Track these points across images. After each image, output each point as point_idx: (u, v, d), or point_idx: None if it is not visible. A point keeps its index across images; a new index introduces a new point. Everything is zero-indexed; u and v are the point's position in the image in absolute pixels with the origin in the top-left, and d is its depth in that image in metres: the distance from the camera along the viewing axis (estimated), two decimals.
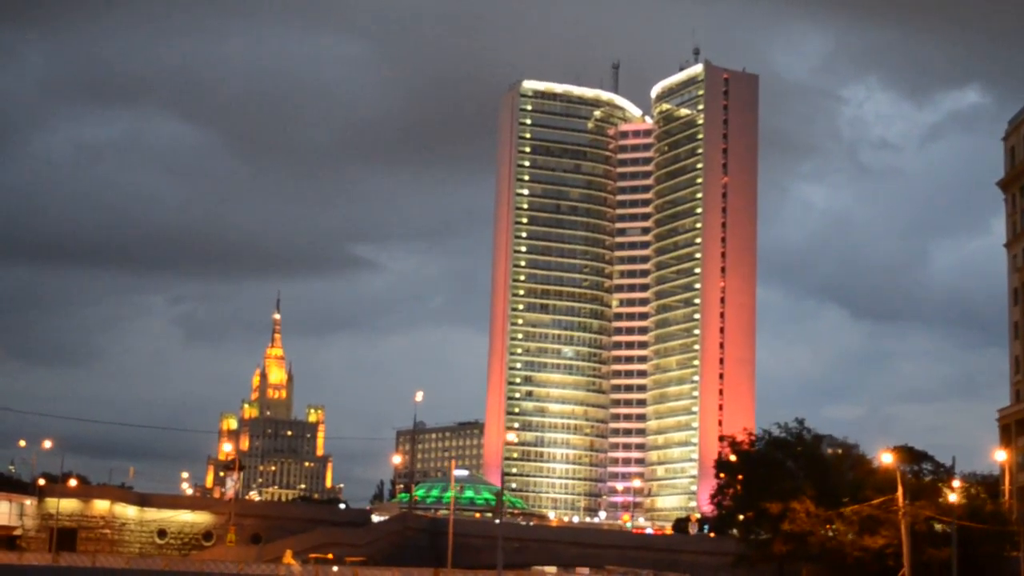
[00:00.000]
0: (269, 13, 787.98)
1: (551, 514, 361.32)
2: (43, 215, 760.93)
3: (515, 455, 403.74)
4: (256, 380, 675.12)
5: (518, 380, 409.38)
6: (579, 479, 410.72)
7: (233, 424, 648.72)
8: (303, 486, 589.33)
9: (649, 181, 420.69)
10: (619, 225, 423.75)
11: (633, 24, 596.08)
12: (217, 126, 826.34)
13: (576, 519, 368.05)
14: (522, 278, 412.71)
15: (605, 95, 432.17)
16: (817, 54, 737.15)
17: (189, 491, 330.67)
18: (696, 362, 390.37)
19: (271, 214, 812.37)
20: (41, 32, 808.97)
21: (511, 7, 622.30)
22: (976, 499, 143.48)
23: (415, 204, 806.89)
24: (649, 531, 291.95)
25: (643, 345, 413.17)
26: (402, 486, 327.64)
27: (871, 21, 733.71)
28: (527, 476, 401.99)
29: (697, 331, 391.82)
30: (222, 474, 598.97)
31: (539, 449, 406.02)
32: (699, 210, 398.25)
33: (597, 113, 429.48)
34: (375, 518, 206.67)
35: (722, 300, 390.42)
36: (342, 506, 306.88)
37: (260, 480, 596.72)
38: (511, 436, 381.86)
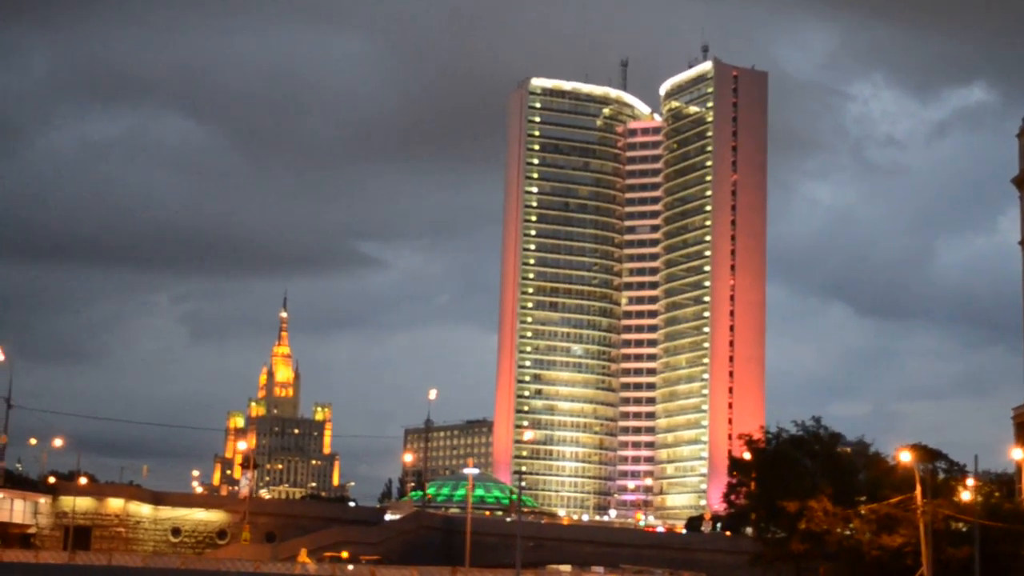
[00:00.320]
0: (275, 10, 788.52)
1: (561, 512, 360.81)
2: (49, 213, 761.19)
3: (524, 453, 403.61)
4: (263, 378, 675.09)
5: (527, 378, 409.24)
6: (588, 477, 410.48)
7: (240, 422, 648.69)
8: (313, 484, 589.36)
9: (658, 179, 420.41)
10: (628, 223, 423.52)
11: (641, 21, 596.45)
12: (223, 124, 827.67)
13: (586, 517, 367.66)
14: (531, 276, 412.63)
15: (614, 93, 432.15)
16: (823, 51, 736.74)
17: (199, 489, 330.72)
18: (706, 360, 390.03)
19: (276, 212, 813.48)
20: (46, 30, 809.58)
21: (519, 4, 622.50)
22: (992, 497, 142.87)
23: (420, 202, 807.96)
24: (660, 529, 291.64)
25: (652, 343, 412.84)
26: (413, 484, 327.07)
27: (876, 18, 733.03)
28: (536, 474, 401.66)
29: (707, 329, 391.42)
30: (228, 472, 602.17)
31: (548, 447, 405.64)
32: (708, 208, 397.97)
33: (606, 111, 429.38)
34: (388, 516, 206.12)
35: (732, 298, 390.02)
36: (351, 504, 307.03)
37: (268, 478, 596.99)
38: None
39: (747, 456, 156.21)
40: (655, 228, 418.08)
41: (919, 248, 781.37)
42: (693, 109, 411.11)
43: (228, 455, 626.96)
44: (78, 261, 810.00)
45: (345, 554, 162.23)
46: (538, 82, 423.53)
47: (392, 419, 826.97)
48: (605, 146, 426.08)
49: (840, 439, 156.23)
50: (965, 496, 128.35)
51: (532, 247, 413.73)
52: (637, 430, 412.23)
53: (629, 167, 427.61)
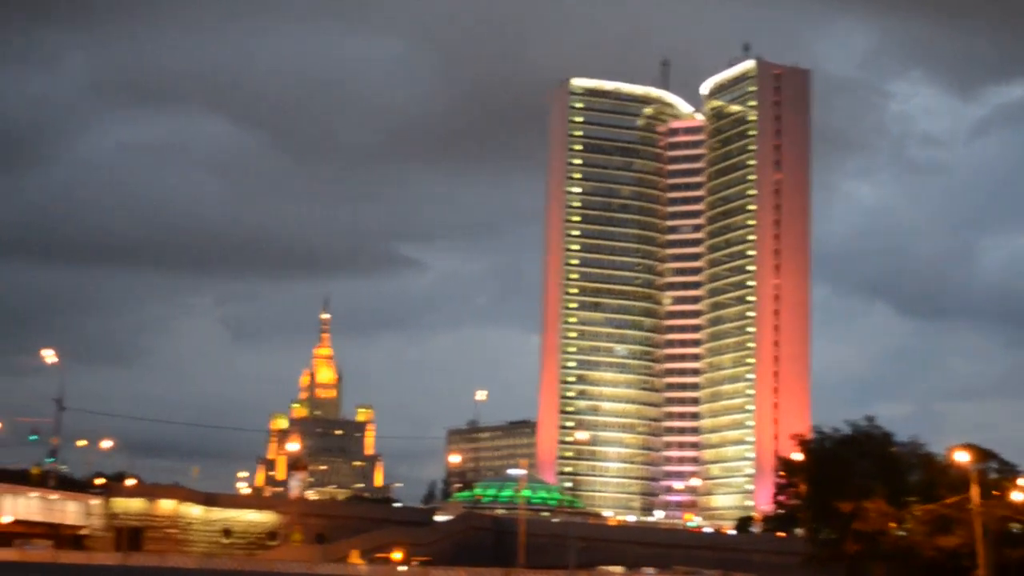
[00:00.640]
0: (315, 13, 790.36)
1: (607, 513, 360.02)
2: (90, 216, 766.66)
3: (569, 454, 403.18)
4: (305, 380, 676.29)
5: (571, 379, 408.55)
6: (632, 478, 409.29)
7: (283, 424, 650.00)
8: (360, 485, 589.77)
9: (701, 178, 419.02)
10: (671, 223, 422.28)
11: (682, 20, 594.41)
12: (262, 126, 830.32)
13: (631, 518, 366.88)
14: (574, 276, 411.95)
15: (655, 92, 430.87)
16: (862, 49, 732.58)
17: (245, 491, 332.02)
18: (750, 360, 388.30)
19: (317, 214, 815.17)
20: (85, 34, 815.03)
21: (559, 4, 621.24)
22: None
23: (459, 203, 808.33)
24: (707, 530, 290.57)
25: (696, 343, 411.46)
26: (460, 485, 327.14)
27: (916, 15, 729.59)
28: (581, 475, 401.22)
29: (751, 329, 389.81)
30: (271, 474, 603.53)
31: (592, 448, 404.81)
32: (752, 207, 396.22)
33: (648, 110, 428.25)
34: (437, 518, 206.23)
35: (776, 297, 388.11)
36: (396, 505, 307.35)
37: (311, 479, 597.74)
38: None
39: (797, 456, 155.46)
40: (698, 228, 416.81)
41: (960, 247, 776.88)
42: (735, 108, 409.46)
43: (271, 457, 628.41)
44: (119, 264, 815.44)
45: (396, 555, 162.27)
46: (579, 82, 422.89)
47: (433, 420, 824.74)
48: (647, 146, 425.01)
49: (892, 439, 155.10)
50: (1015, 496, 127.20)
51: (575, 247, 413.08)
52: (681, 430, 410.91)
53: (671, 167, 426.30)
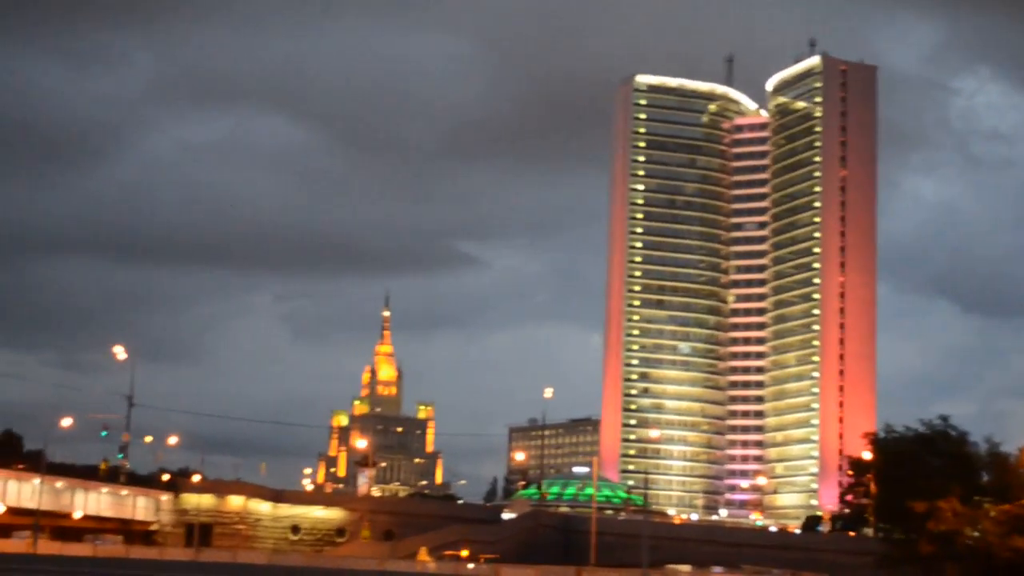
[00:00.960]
0: (372, 10, 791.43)
1: (671, 511, 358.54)
2: (153, 215, 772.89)
3: (632, 452, 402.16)
4: (366, 377, 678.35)
5: (634, 377, 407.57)
6: (696, 476, 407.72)
7: (344, 421, 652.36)
8: (424, 482, 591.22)
9: (765, 175, 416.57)
10: (735, 220, 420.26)
11: (746, 17, 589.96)
12: (323, 124, 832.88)
13: (694, 517, 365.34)
14: (638, 274, 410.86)
15: (720, 89, 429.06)
16: (927, 44, 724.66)
17: (309, 487, 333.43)
18: (815, 358, 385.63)
19: (376, 211, 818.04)
20: (146, 34, 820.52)
21: (622, 1, 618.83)
22: None
23: (519, 201, 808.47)
24: (773, 529, 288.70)
25: (760, 341, 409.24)
26: (524, 482, 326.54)
27: (982, 10, 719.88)
28: (644, 473, 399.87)
29: (816, 327, 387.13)
30: (332, 470, 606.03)
31: (656, 446, 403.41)
32: (817, 204, 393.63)
33: (712, 107, 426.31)
34: (505, 515, 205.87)
35: (842, 295, 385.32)
36: (461, 502, 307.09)
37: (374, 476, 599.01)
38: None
39: (866, 455, 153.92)
40: (762, 225, 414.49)
41: None
42: (801, 104, 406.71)
43: (332, 453, 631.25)
44: (179, 262, 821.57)
45: (464, 553, 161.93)
46: (643, 79, 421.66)
47: (492, 418, 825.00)
48: (711, 143, 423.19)
49: (967, 438, 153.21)
50: None
51: (638, 245, 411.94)
52: (745, 429, 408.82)
53: (736, 163, 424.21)
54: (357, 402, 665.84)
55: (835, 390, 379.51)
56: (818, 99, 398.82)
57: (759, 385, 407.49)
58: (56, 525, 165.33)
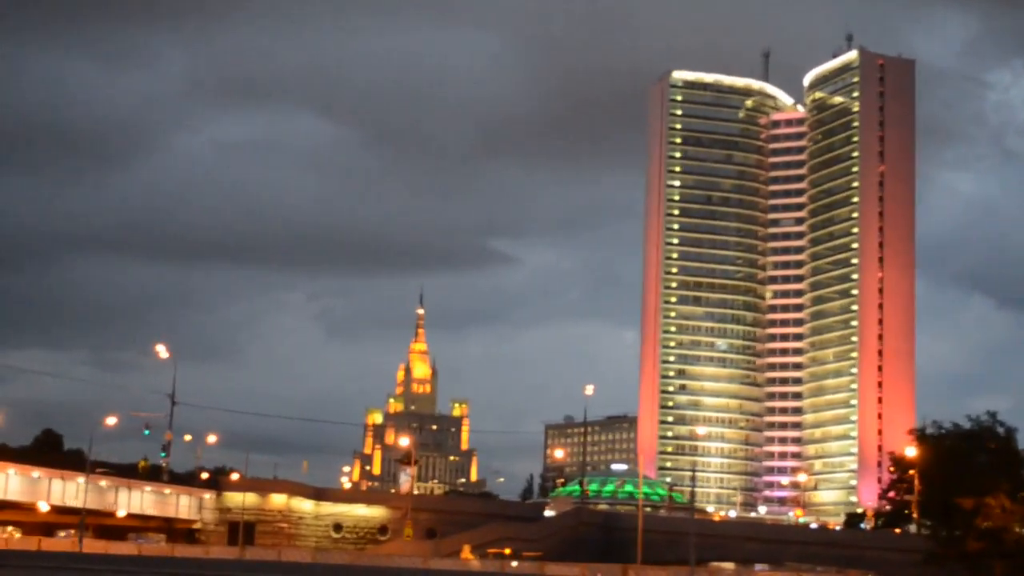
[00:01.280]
0: (407, 8, 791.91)
1: (710, 508, 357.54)
2: (186, 214, 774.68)
3: (669, 449, 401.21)
4: (401, 375, 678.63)
5: (671, 373, 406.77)
6: (734, 473, 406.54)
7: (379, 419, 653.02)
8: (462, 480, 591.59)
9: (802, 171, 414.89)
10: (772, 216, 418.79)
11: (782, 11, 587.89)
12: (355, 122, 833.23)
13: (733, 514, 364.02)
14: (674, 271, 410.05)
15: (756, 84, 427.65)
16: (961, 38, 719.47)
17: (347, 485, 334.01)
18: (854, 354, 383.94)
19: (409, 209, 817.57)
20: (180, 33, 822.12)
21: None
22: None
23: (552, 198, 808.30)
24: (813, 526, 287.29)
25: (798, 337, 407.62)
26: (562, 480, 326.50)
27: (1016, 3, 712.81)
28: (682, 470, 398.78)
29: (854, 323, 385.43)
30: (367, 468, 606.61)
31: (694, 443, 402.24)
32: (855, 199, 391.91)
33: (748, 103, 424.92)
34: (547, 513, 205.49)
35: (880, 291, 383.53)
36: (502, 499, 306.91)
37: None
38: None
39: (910, 451, 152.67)
40: (800, 221, 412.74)
41: None
42: (838, 99, 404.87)
43: (367, 451, 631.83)
44: (212, 261, 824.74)
45: (507, 551, 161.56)
46: (679, 75, 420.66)
47: (526, 415, 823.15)
48: (748, 138, 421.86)
49: (1015, 434, 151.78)
50: None
51: (675, 241, 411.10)
52: (783, 425, 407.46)
53: (772, 159, 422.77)
54: (392, 400, 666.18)
55: (874, 386, 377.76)
56: (855, 94, 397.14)
57: (797, 382, 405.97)
58: (99, 524, 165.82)
